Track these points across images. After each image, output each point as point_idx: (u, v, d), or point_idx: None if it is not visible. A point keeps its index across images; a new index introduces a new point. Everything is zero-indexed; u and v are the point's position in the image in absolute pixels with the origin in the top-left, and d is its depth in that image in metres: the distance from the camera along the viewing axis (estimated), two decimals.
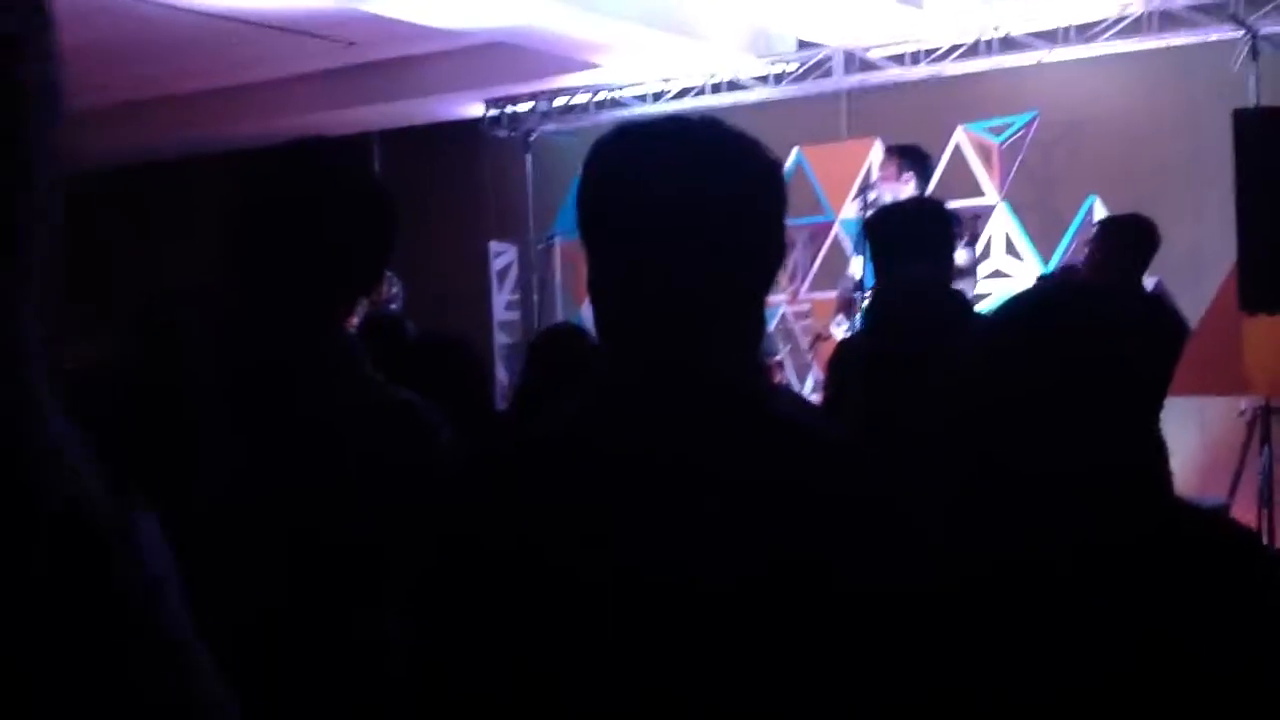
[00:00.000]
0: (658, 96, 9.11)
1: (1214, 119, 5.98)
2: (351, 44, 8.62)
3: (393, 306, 6.30)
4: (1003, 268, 7.75)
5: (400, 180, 10.42)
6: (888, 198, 5.68)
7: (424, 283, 8.87)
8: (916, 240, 2.99)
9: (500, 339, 9.81)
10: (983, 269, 7.67)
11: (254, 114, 10.01)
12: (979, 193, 7.80)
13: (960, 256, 5.05)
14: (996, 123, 7.83)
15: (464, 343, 3.34)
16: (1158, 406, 1.56)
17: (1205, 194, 7.00)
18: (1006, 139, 7.83)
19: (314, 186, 1.77)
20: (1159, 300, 4.95)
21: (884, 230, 3.14)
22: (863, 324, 3.33)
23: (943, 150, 7.78)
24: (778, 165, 1.44)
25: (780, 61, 8.61)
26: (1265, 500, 6.05)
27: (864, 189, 6.00)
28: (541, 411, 1.41)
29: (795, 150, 8.40)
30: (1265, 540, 6.04)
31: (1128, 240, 4.72)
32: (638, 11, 7.83)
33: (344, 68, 9.34)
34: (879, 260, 3.19)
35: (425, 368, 2.89)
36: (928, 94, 8.28)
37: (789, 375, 8.13)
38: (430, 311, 7.34)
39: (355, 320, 5.05)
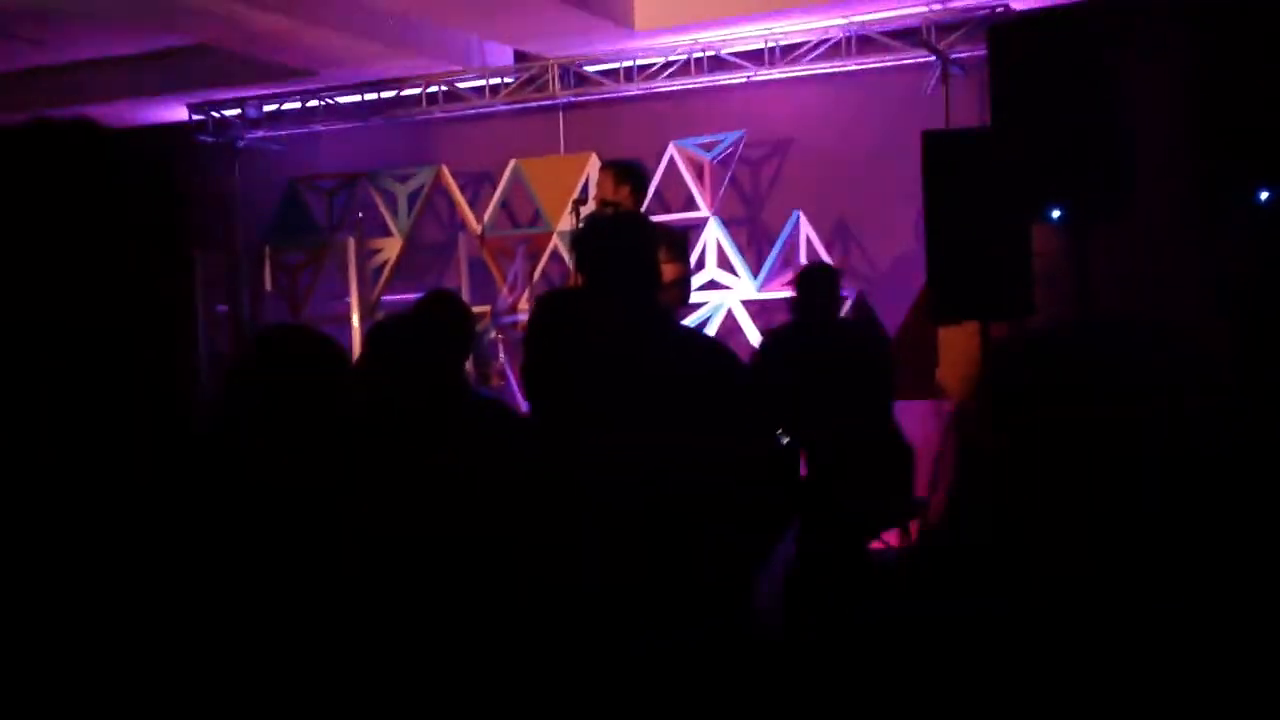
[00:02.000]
0: (373, 107, 8.98)
1: (911, 139, 6.28)
2: (39, 42, 8.12)
3: None
4: (717, 279, 7.97)
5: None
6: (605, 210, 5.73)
7: None
8: (616, 253, 3.06)
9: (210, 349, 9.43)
10: (698, 279, 7.87)
11: None
12: (693, 207, 8.00)
13: (669, 270, 5.15)
14: (707, 139, 8.04)
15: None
16: None
17: (904, 210, 7.32)
18: (717, 155, 8.05)
19: None
20: (868, 320, 5.90)
21: (586, 245, 3.20)
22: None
23: (657, 166, 7.95)
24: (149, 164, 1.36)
25: (497, 75, 8.61)
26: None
27: (578, 203, 6.04)
28: None
29: (513, 162, 8.43)
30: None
31: (821, 285, 5.79)
32: (353, 21, 7.69)
33: (37, 67, 8.81)
34: (583, 272, 3.24)
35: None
36: (642, 110, 8.44)
37: (511, 381, 8.13)
38: None
39: None
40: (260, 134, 9.37)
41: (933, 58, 7.43)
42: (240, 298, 9.08)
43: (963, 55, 7.40)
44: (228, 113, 9.30)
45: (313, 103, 9.07)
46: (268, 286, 8.88)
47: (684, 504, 2.81)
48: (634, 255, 3.06)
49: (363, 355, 3.02)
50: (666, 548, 2.74)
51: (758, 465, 3.08)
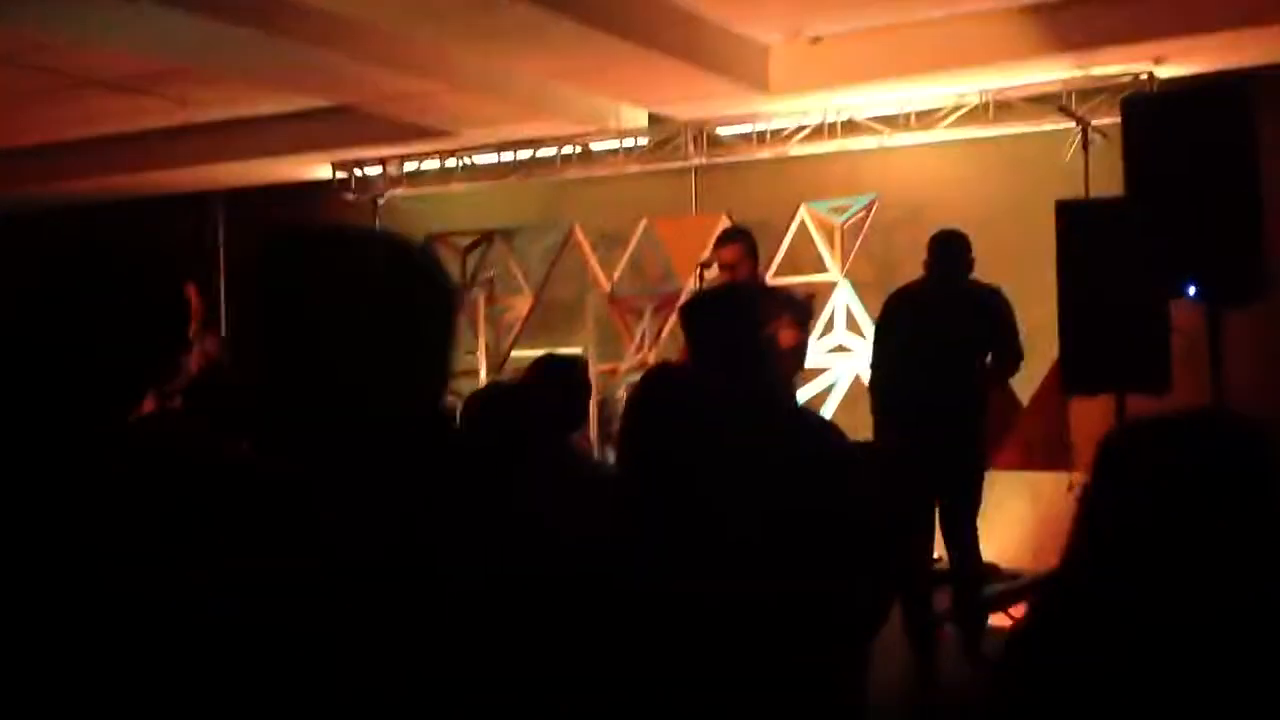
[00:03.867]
0: (509, 167, 9.12)
1: (1048, 205, 6.14)
2: (184, 102, 8.44)
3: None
4: (845, 343, 7.88)
5: (245, 241, 10.28)
6: (723, 275, 5.72)
7: None
8: (722, 325, 3.03)
9: None
10: (825, 343, 7.79)
11: (93, 169, 9.80)
12: (823, 269, 7.94)
13: (786, 337, 5.11)
14: (839, 203, 7.98)
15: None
16: None
17: (1040, 277, 7.14)
18: (848, 219, 7.98)
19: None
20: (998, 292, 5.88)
21: (693, 315, 3.17)
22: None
23: (787, 228, 7.91)
24: None
25: (632, 137, 8.68)
26: None
27: (701, 266, 6.04)
28: None
29: (644, 221, 8.48)
30: None
31: (958, 249, 5.78)
32: (492, 83, 7.83)
33: (184, 125, 9.16)
34: (690, 343, 3.22)
35: None
36: (774, 172, 8.43)
37: None
38: None
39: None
40: (400, 191, 9.59)
41: (1072, 124, 7.27)
42: None
43: (1104, 122, 7.22)
44: (370, 171, 9.55)
45: (451, 162, 9.26)
46: None
47: (784, 582, 2.76)
48: (740, 332, 3.02)
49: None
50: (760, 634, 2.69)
51: (861, 548, 3.00)
